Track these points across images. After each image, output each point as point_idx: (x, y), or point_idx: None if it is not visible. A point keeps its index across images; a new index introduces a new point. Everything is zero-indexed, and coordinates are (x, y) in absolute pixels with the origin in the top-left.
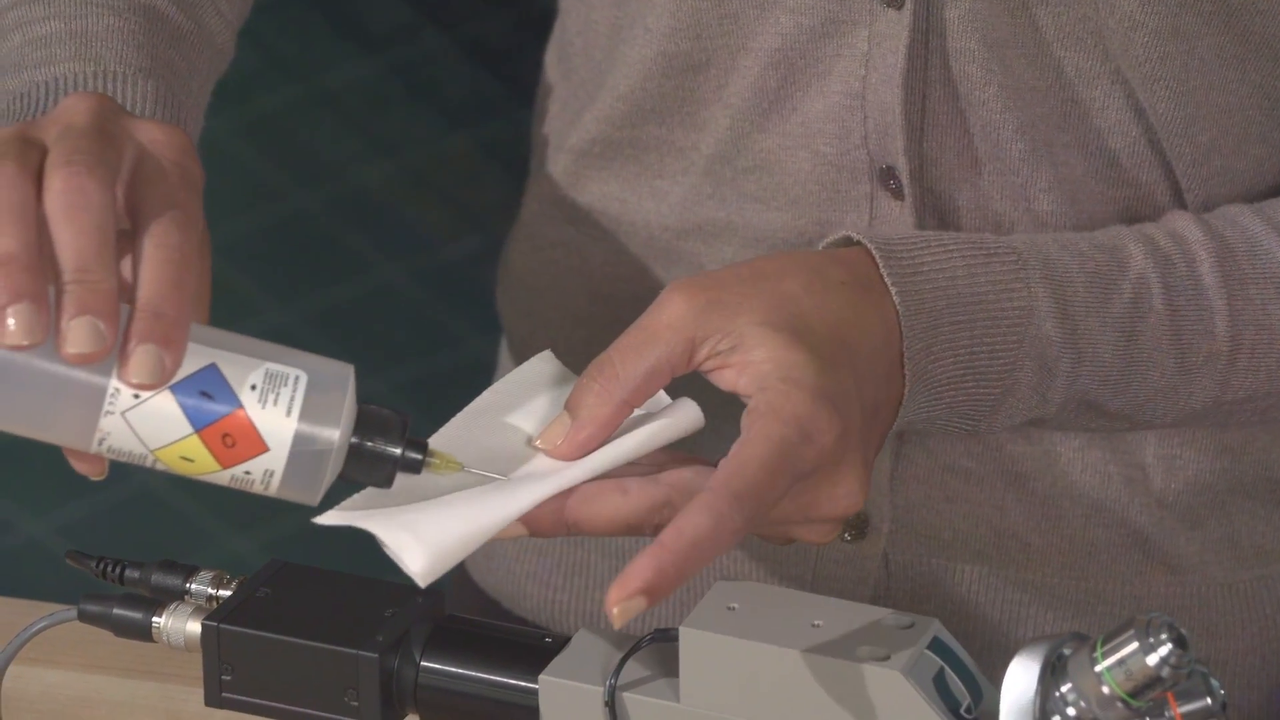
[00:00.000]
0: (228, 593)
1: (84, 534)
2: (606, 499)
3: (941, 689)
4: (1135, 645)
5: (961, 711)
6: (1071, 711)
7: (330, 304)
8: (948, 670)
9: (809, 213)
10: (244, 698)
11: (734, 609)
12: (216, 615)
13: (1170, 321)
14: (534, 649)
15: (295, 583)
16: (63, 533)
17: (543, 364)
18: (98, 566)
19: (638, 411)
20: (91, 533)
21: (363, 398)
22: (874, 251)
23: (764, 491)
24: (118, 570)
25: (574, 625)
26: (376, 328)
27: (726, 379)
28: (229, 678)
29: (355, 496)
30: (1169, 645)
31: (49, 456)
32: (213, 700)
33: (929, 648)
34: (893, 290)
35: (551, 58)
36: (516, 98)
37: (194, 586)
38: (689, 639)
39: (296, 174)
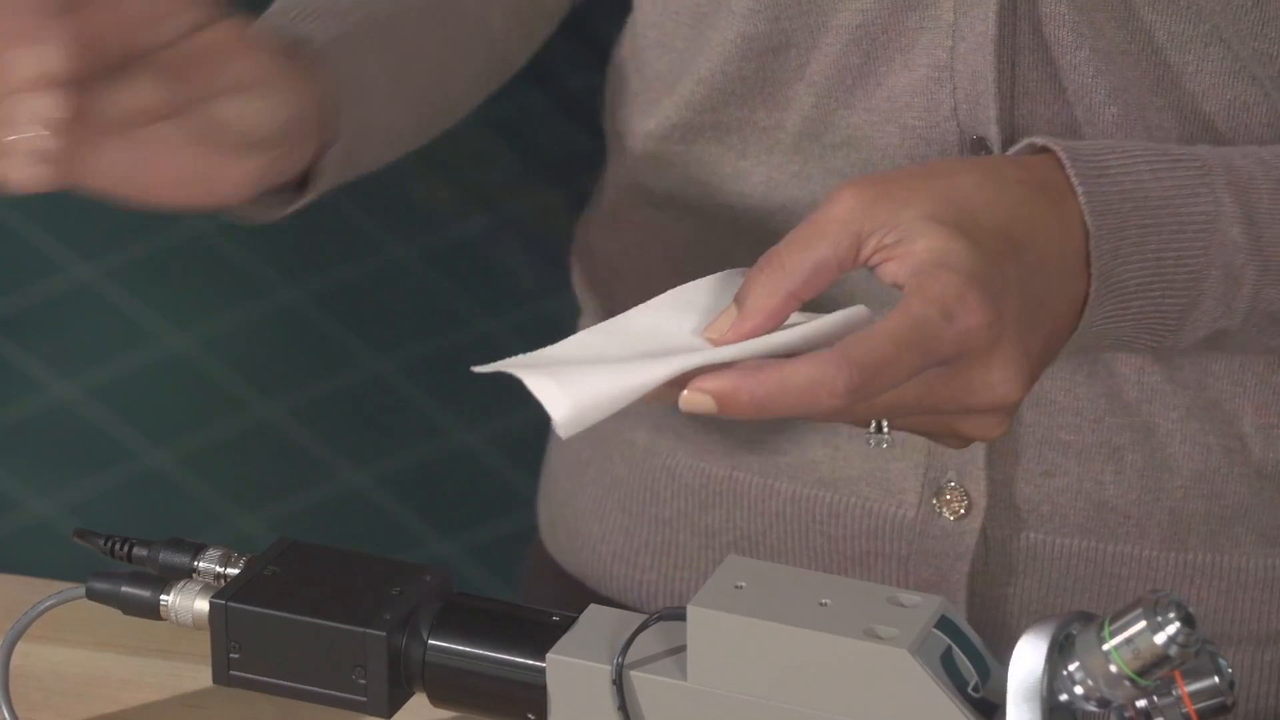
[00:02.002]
0: (236, 571)
1: (92, 512)
2: (796, 401)
3: (949, 668)
4: (1143, 624)
5: (969, 690)
6: (1079, 690)
7: (338, 283)
8: (955, 649)
9: None
10: (252, 675)
11: (742, 587)
12: (224, 593)
13: None
14: (542, 627)
15: (303, 561)
16: (71, 511)
17: (718, 280)
18: (106, 544)
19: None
20: (100, 511)
21: (373, 378)
22: (1059, 153)
23: (885, 364)
24: (126, 548)
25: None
26: (385, 307)
27: (889, 272)
28: (237, 656)
29: (519, 356)
30: (1177, 624)
31: (57, 435)
32: (221, 678)
33: (937, 627)
34: (1079, 190)
35: (625, 53)
36: (525, 78)
37: (202, 564)
38: (697, 617)
39: None
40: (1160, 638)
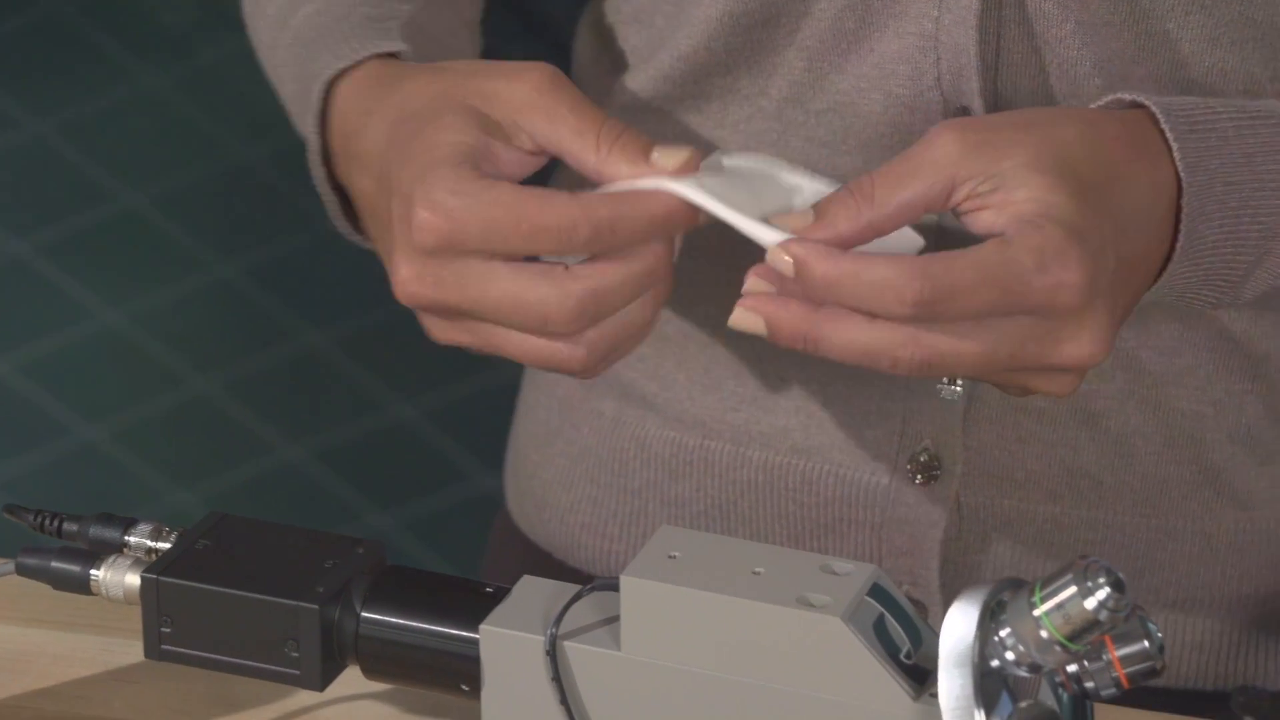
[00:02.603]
0: (167, 545)
1: (24, 488)
2: (852, 321)
3: (881, 635)
4: (1073, 590)
5: (901, 657)
6: (1010, 656)
7: (272, 257)
8: (888, 616)
9: (880, 156)
10: (184, 650)
11: (675, 557)
12: (155, 568)
13: None
14: (475, 599)
15: (235, 535)
16: (1, 487)
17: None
18: (35, 520)
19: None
20: (32, 487)
21: (308, 352)
22: (1154, 109)
23: (960, 290)
24: (55, 523)
25: None
26: (320, 280)
27: (984, 220)
28: (169, 630)
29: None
30: (1106, 589)
31: None
32: (152, 653)
33: (869, 594)
34: (1175, 146)
35: (591, 26)
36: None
37: (132, 539)
38: (630, 587)
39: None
40: (1090, 603)
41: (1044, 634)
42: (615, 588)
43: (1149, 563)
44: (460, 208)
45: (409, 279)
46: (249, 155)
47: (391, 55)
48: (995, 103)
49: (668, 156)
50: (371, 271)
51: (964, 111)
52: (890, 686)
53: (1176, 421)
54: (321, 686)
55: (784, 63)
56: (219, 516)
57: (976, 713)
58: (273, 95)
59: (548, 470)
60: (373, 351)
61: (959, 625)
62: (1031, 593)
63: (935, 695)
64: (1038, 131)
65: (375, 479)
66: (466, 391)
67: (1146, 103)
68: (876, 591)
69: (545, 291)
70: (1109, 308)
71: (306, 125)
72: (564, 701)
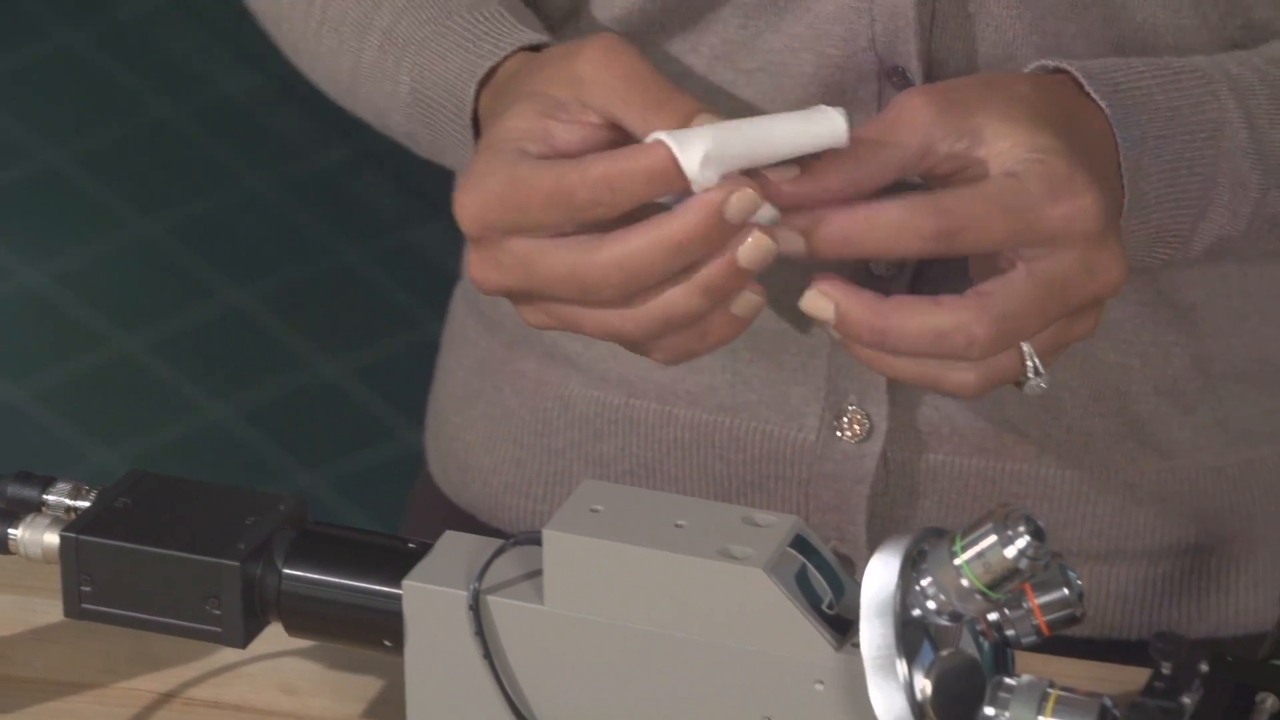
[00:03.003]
0: (86, 503)
1: None
2: (920, 306)
3: (804, 585)
4: (993, 538)
5: (823, 607)
6: (931, 605)
7: (195, 214)
8: (809, 567)
9: None
10: (104, 609)
11: (598, 511)
12: (74, 526)
13: None
14: (398, 554)
15: (155, 492)
16: None
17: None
18: None
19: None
20: None
21: (232, 310)
22: (1075, 73)
23: (976, 218)
24: None
25: None
26: (243, 238)
27: (970, 177)
28: (89, 589)
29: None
30: (1026, 538)
31: None
32: (72, 612)
33: (791, 545)
34: (1104, 105)
35: None
36: None
37: (50, 498)
38: (552, 541)
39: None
40: (1010, 551)
41: (965, 582)
42: (538, 542)
43: (1074, 514)
44: (482, 189)
45: (474, 268)
46: (170, 112)
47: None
48: (929, 65)
49: (710, 120)
50: (295, 230)
51: (898, 72)
52: (812, 637)
53: (1103, 374)
54: (244, 643)
55: (718, 20)
56: (138, 474)
57: (898, 662)
58: (196, 52)
59: (470, 432)
60: (298, 309)
61: (880, 575)
62: (952, 542)
63: (857, 645)
64: (999, 89)
65: (301, 437)
66: (392, 349)
67: (1069, 68)
68: (798, 543)
69: (574, 259)
70: (1118, 233)
71: (441, 128)
72: (487, 656)
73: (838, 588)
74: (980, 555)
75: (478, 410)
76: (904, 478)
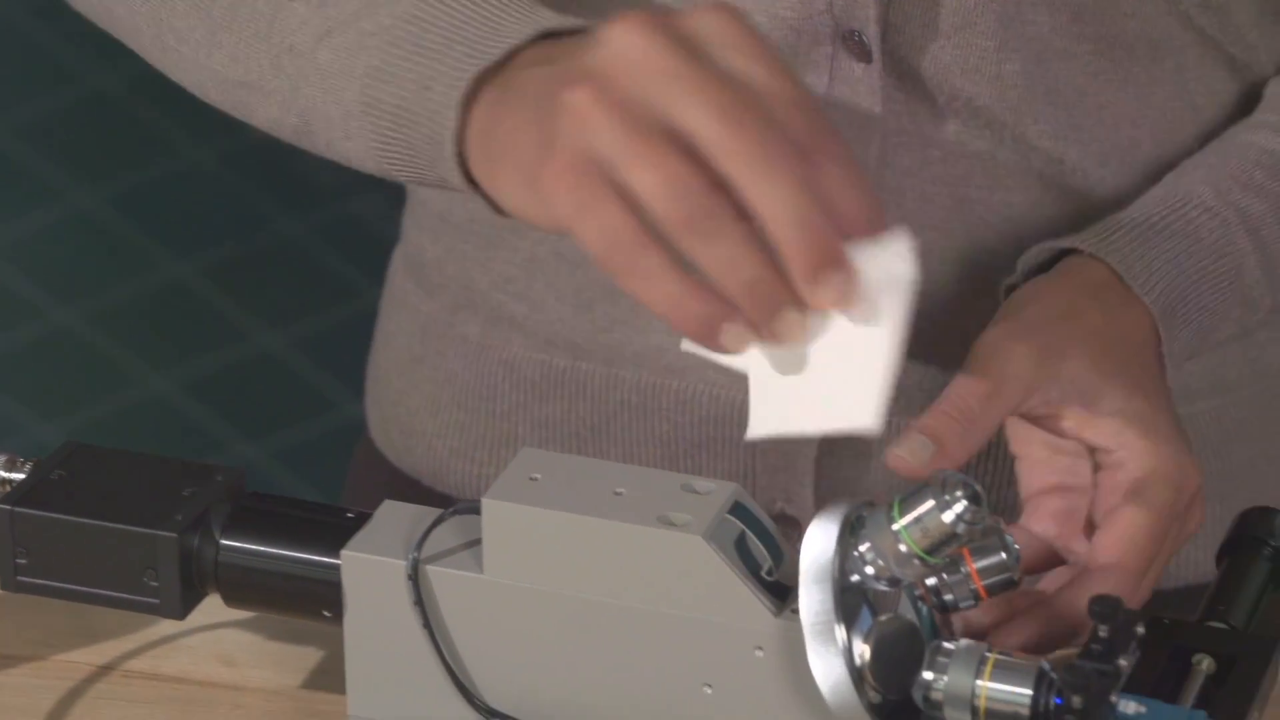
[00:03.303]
0: (21, 475)
1: None
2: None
3: (743, 553)
4: (931, 503)
5: (762, 574)
6: (870, 570)
7: (135, 185)
8: (749, 534)
9: None
10: (41, 581)
11: (537, 479)
12: (10, 498)
13: None
14: (336, 524)
15: (91, 464)
16: None
17: None
18: None
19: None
20: None
21: (172, 282)
22: (1115, 267)
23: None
24: None
25: None
26: (183, 210)
27: (1068, 428)
28: (24, 561)
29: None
30: (964, 503)
31: None
32: (8, 584)
33: (730, 512)
34: (1147, 301)
35: None
36: None
37: None
38: (491, 510)
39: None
40: (948, 516)
41: (903, 548)
42: (477, 511)
43: (1013, 476)
44: None
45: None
46: (107, 83)
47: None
48: (886, 29)
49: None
50: (233, 198)
51: (853, 36)
52: (752, 604)
53: None
54: (182, 615)
55: None
56: (74, 446)
57: (837, 627)
58: None
59: (413, 397)
60: (238, 280)
61: (819, 541)
62: (890, 508)
63: (796, 611)
64: (1076, 324)
65: (242, 409)
66: (332, 320)
67: (1106, 261)
68: (737, 509)
69: None
70: (1188, 448)
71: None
72: (426, 625)
73: (777, 554)
74: (918, 520)
75: (421, 374)
76: (851, 439)
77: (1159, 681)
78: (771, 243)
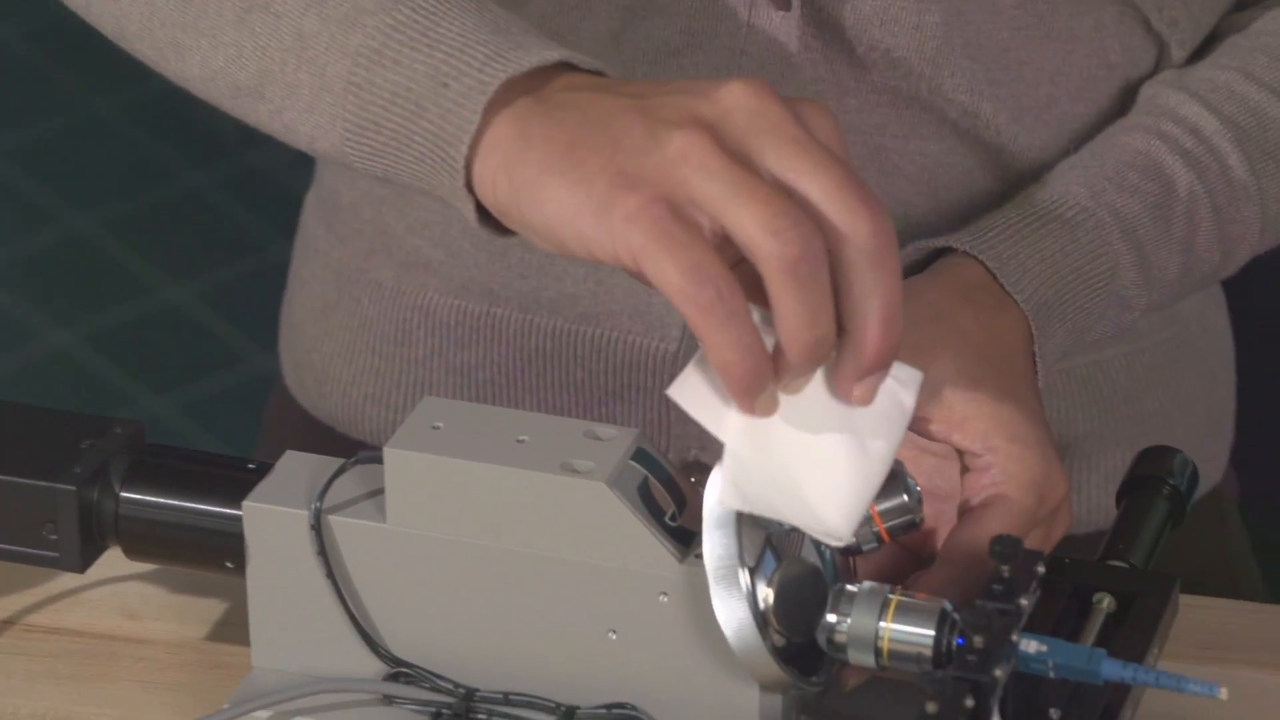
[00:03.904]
0: None
1: None
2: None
3: (646, 498)
4: None
5: (666, 520)
6: None
7: (34, 139)
8: (652, 480)
9: (677, 22)
10: None
11: (439, 428)
12: None
13: (1216, 226)
14: (237, 475)
15: None
16: None
17: None
18: None
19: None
20: None
21: (74, 236)
22: (990, 266)
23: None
24: None
25: None
26: (85, 162)
27: (935, 430)
28: None
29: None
30: None
31: None
32: None
33: (633, 459)
34: (1019, 300)
35: None
36: None
37: None
38: (393, 459)
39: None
40: None
41: None
42: (379, 460)
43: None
44: None
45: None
46: (6, 35)
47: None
48: None
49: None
50: (137, 154)
51: None
52: (656, 549)
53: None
54: (82, 568)
55: None
56: None
57: (740, 571)
58: None
59: (327, 344)
60: (142, 233)
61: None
62: None
63: (700, 556)
64: (946, 324)
65: (149, 363)
66: (239, 272)
67: (980, 257)
68: (640, 455)
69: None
70: (1055, 454)
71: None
72: (330, 576)
73: (680, 500)
74: None
75: (335, 321)
76: None
77: (1060, 620)
78: (851, 326)
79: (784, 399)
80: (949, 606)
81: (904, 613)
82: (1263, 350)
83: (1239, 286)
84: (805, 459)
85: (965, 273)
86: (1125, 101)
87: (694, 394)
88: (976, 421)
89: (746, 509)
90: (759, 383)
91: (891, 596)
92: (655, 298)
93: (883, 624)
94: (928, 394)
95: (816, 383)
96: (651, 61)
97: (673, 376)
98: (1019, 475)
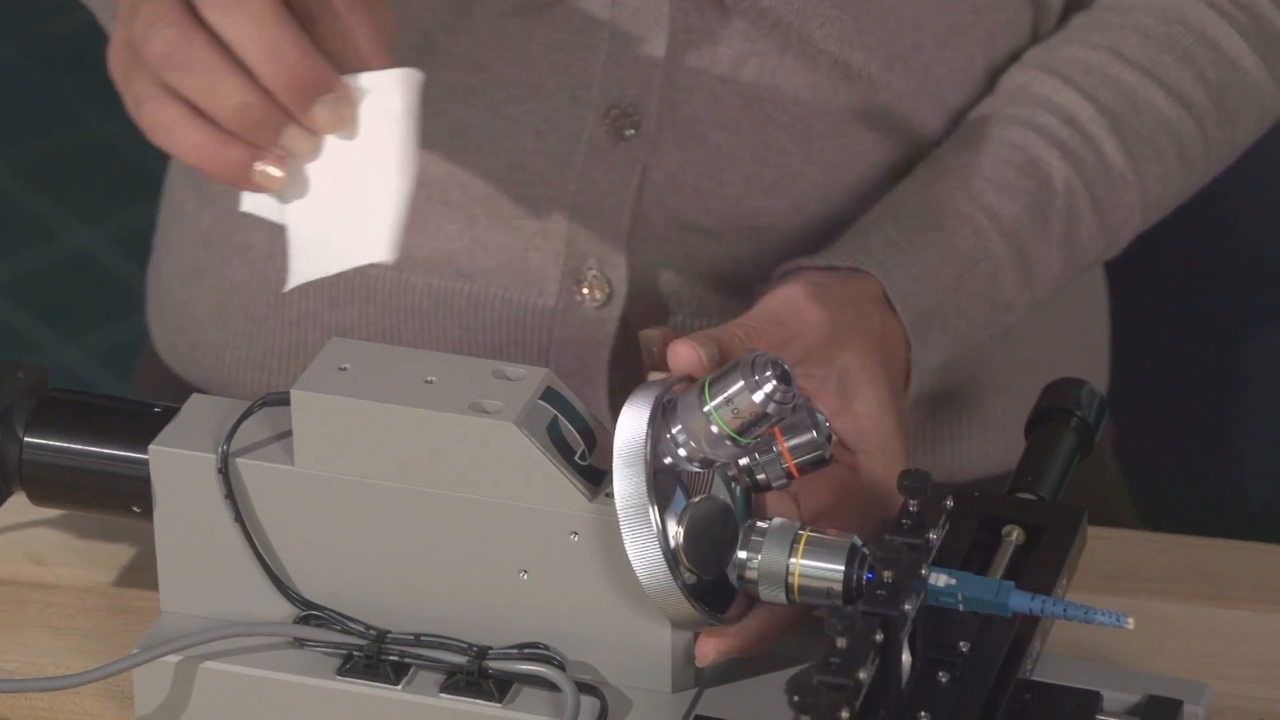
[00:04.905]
0: None
1: None
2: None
3: (555, 438)
4: (741, 383)
5: (576, 459)
6: (682, 452)
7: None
8: (561, 419)
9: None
10: None
11: (346, 369)
12: None
13: (1097, 217)
14: (143, 419)
15: None
16: None
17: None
18: None
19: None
20: None
21: None
22: (876, 276)
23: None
24: None
25: None
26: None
27: (824, 409)
28: None
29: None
30: (773, 382)
31: None
32: None
33: (542, 398)
34: (898, 309)
35: None
36: None
37: None
38: (300, 401)
39: None
40: (758, 396)
41: (714, 429)
42: (286, 403)
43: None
44: None
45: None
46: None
47: None
48: None
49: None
50: (45, 97)
51: None
52: (565, 488)
53: (840, 232)
54: None
55: None
56: None
57: (651, 510)
58: None
59: (198, 307)
60: (47, 178)
61: (631, 425)
62: (701, 389)
63: (610, 495)
64: (863, 322)
65: (56, 309)
66: (147, 217)
67: (871, 272)
68: (549, 395)
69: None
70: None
71: None
72: (238, 519)
73: (590, 439)
74: (729, 401)
75: (206, 284)
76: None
77: (969, 553)
78: (254, 75)
79: (306, 166)
80: (859, 541)
81: (814, 548)
82: (1135, 294)
83: None
84: (339, 205)
85: (866, 281)
86: (992, 46)
87: (258, 200)
88: (860, 419)
89: (307, 279)
90: (238, 168)
91: (802, 532)
92: (531, 254)
93: (793, 560)
94: (825, 375)
95: (325, 140)
96: (508, 15)
97: (551, 333)
98: (872, 487)
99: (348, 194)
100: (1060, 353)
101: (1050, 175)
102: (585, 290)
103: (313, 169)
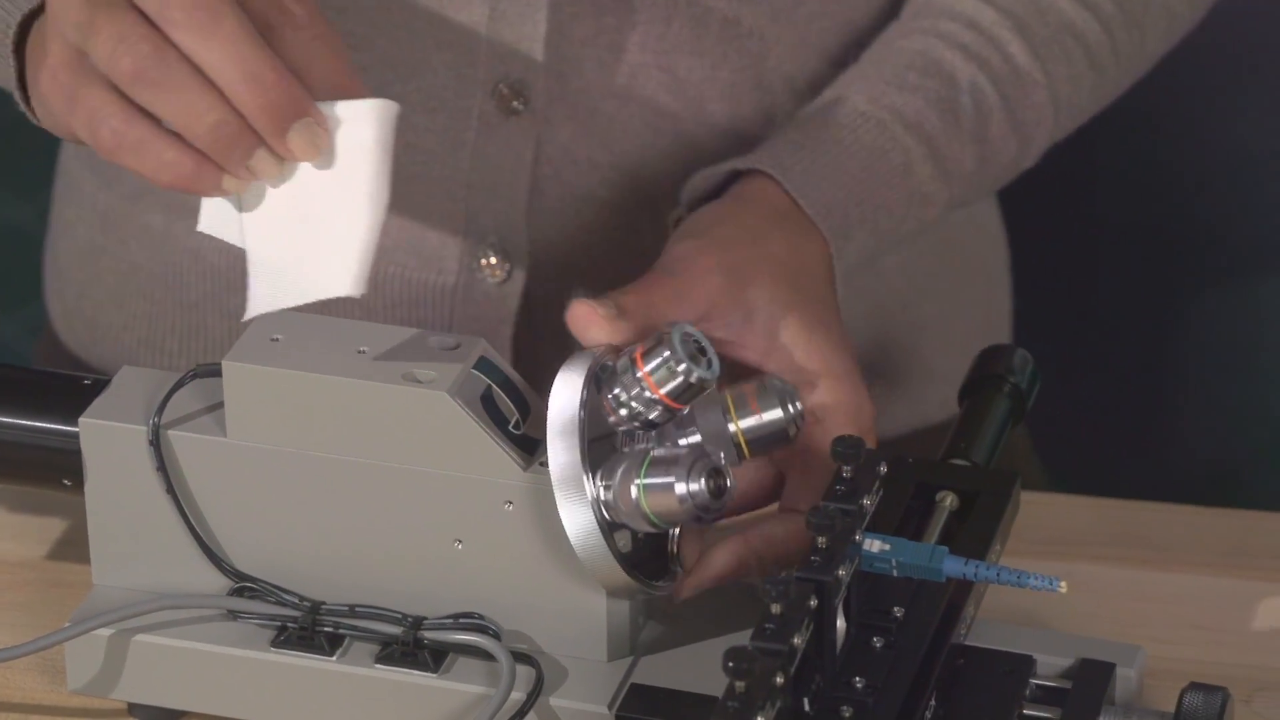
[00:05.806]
0: None
1: None
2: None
3: (489, 407)
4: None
5: (510, 428)
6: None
7: None
8: (495, 388)
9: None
10: None
11: (278, 340)
12: None
13: (1006, 114)
14: (73, 391)
15: None
16: None
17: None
18: None
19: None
20: None
21: None
22: (776, 177)
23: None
24: None
25: None
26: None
27: (749, 358)
28: None
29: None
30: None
31: None
32: None
33: (475, 367)
34: (807, 209)
35: None
36: None
37: None
38: (232, 373)
39: None
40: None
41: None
42: (218, 374)
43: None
44: None
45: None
46: None
47: None
48: None
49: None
50: None
51: None
52: (500, 458)
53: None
54: None
55: None
56: None
57: (585, 478)
58: None
59: (96, 289)
60: None
61: (565, 394)
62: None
63: (545, 464)
64: (760, 249)
65: None
66: None
67: (769, 171)
68: (483, 364)
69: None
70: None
71: None
72: (171, 491)
73: (524, 408)
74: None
75: (104, 265)
76: (549, 316)
77: (904, 519)
78: (229, 98)
79: (272, 191)
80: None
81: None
82: (1035, 250)
83: (1008, 186)
84: (305, 234)
85: (771, 198)
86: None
87: (218, 220)
88: (790, 350)
89: (270, 309)
90: (204, 180)
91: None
92: (429, 232)
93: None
94: (741, 317)
95: (294, 167)
96: None
97: (453, 310)
98: (833, 407)
99: (315, 224)
100: (962, 311)
101: (954, 75)
102: (485, 266)
103: (278, 194)
